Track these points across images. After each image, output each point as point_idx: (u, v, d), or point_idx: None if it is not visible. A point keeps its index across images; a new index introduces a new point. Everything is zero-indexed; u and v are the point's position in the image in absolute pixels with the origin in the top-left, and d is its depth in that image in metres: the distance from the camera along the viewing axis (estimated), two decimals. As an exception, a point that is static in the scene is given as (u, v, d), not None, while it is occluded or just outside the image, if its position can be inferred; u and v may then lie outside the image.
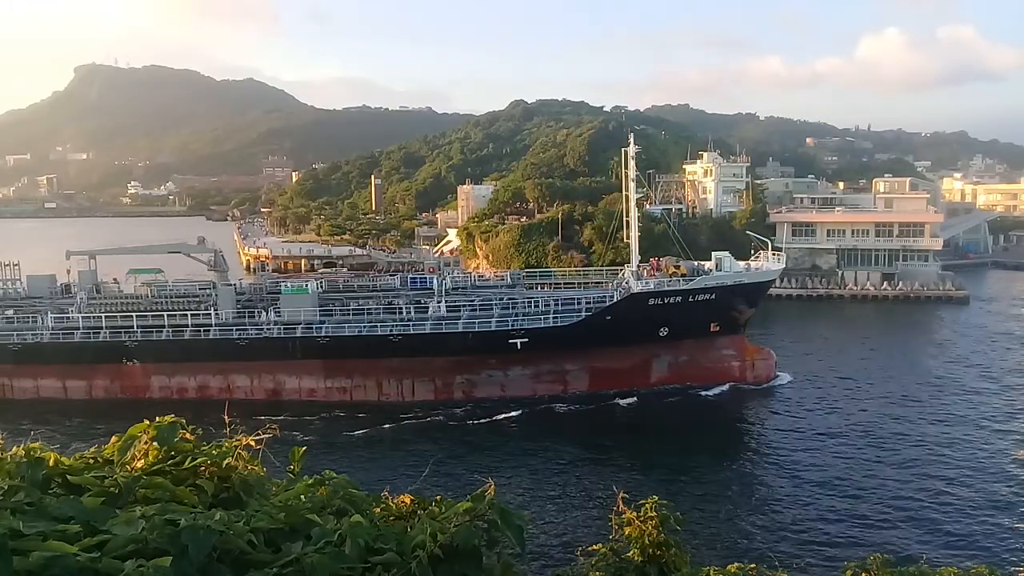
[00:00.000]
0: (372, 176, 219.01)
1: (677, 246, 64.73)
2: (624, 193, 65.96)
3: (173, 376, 55.70)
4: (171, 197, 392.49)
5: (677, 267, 61.10)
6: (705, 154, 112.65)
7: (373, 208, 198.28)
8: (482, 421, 50.67)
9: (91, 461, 4.26)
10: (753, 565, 5.15)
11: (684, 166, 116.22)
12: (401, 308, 57.49)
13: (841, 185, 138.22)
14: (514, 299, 58.46)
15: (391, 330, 54.76)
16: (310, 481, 4.34)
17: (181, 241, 70.38)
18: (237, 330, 55.79)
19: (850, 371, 61.72)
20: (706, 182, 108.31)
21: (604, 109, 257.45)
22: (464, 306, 57.20)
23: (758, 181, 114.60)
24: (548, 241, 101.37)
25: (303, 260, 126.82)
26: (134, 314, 57.16)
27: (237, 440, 4.41)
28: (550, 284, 67.65)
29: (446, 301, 57.75)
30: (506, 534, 3.85)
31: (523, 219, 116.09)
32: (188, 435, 4.38)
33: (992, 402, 53.08)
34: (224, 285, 60.78)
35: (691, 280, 57.19)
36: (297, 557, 3.44)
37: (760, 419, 51.73)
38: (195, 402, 53.74)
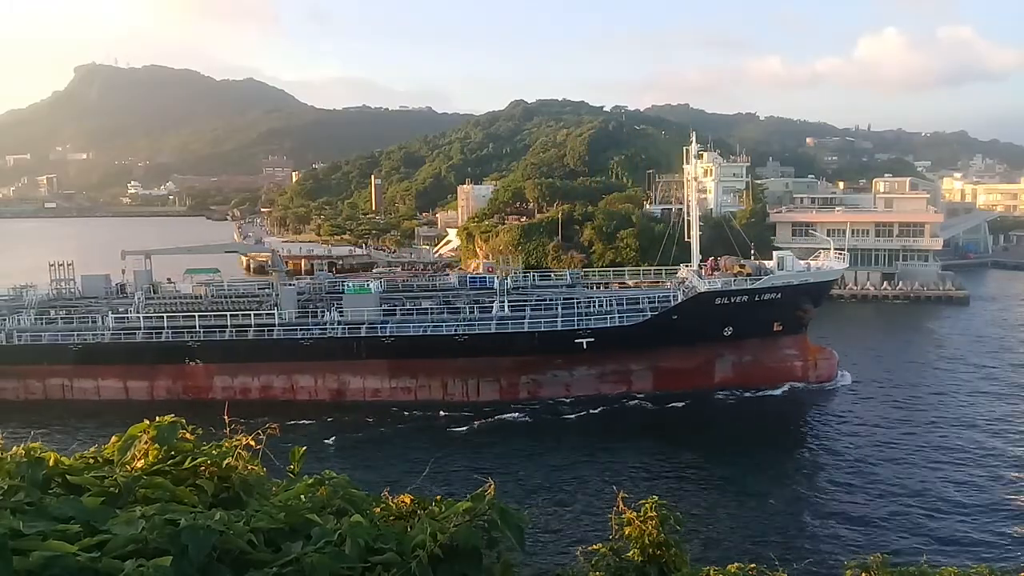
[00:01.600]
0: (372, 176, 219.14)
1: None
2: (685, 192, 65.91)
3: (236, 376, 55.18)
4: (171, 197, 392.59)
5: (742, 266, 60.67)
6: (705, 154, 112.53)
7: (373, 208, 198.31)
8: (549, 418, 50.82)
9: (91, 461, 4.26)
10: (753, 565, 5.15)
11: (684, 166, 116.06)
12: (463, 308, 57.28)
13: (841, 185, 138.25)
14: (576, 299, 58.23)
15: (456, 330, 54.54)
16: (310, 481, 4.34)
17: (236, 241, 70.47)
18: (301, 330, 55.41)
19: (910, 372, 61.33)
20: (706, 182, 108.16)
21: (604, 109, 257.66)
22: (526, 306, 57.03)
23: (758, 181, 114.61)
24: (548, 241, 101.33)
25: (303, 260, 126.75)
26: (196, 314, 56.63)
27: (237, 440, 4.41)
28: (605, 284, 67.32)
29: (508, 301, 57.56)
30: (506, 534, 3.85)
31: (523, 219, 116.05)
32: (188, 435, 4.39)
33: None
34: (285, 285, 60.56)
35: (757, 279, 56.94)
36: (297, 557, 3.44)
37: (821, 419, 51.23)
38: (258, 403, 53.66)
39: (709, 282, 56.36)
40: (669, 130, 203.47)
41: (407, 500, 4.30)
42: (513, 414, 51.75)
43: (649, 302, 56.43)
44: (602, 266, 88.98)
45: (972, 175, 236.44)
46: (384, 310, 57.07)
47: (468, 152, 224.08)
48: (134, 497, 3.86)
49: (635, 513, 4.98)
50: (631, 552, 4.88)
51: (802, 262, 60.75)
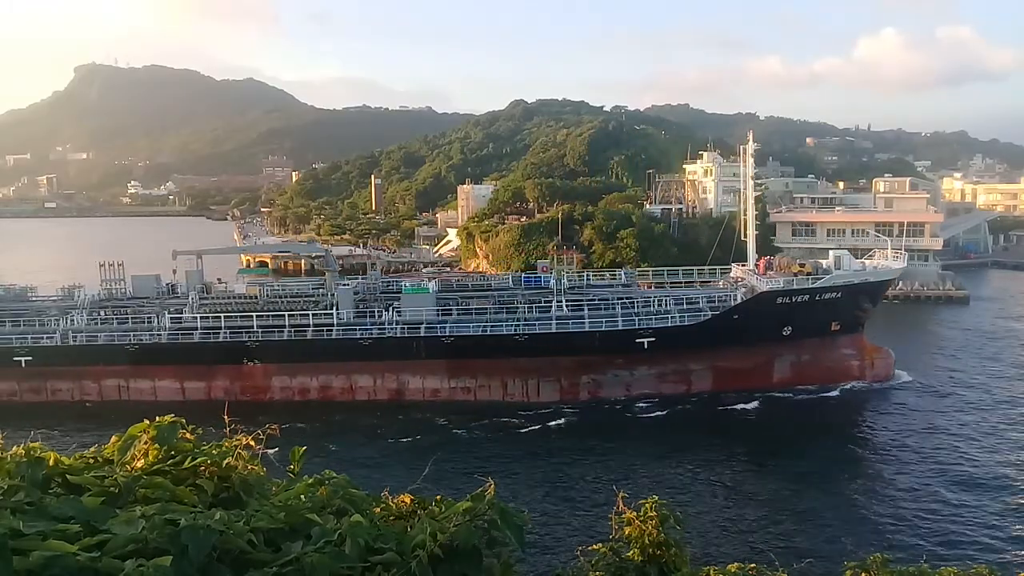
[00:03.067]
0: (372, 176, 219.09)
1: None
2: (743, 191, 65.93)
3: (295, 377, 55.02)
4: (171, 197, 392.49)
5: (802, 266, 60.74)
6: (705, 154, 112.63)
7: (373, 208, 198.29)
8: (612, 418, 50.74)
9: (91, 461, 4.26)
10: (753, 565, 5.15)
11: (684, 166, 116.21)
12: (520, 307, 57.11)
13: (841, 185, 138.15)
14: (633, 298, 58.15)
15: (515, 329, 54.39)
16: (310, 481, 4.34)
17: (289, 241, 70.23)
18: (360, 330, 55.22)
19: (968, 372, 60.97)
20: (706, 182, 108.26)
21: (604, 109, 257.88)
22: (583, 305, 56.93)
23: (758, 181, 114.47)
24: (548, 241, 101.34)
25: (303, 260, 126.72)
26: (254, 314, 56.37)
27: (237, 440, 4.41)
28: (651, 283, 67.05)
29: (566, 300, 57.48)
30: (506, 534, 3.85)
31: (523, 219, 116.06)
32: (188, 435, 4.39)
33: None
34: (342, 284, 60.37)
35: (819, 279, 56.94)
36: (297, 557, 3.44)
37: (877, 419, 51.14)
38: (317, 403, 53.60)
39: (771, 281, 56.42)
40: (669, 130, 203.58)
41: (407, 500, 4.30)
42: (575, 414, 51.58)
43: (708, 301, 56.42)
44: (601, 266, 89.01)
45: (972, 175, 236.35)
46: (439, 309, 57.00)
47: (468, 152, 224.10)
48: (134, 497, 3.86)
49: (635, 513, 4.98)
50: (631, 552, 4.88)
51: (858, 261, 60.78)
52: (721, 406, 52.56)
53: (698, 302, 56.45)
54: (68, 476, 3.98)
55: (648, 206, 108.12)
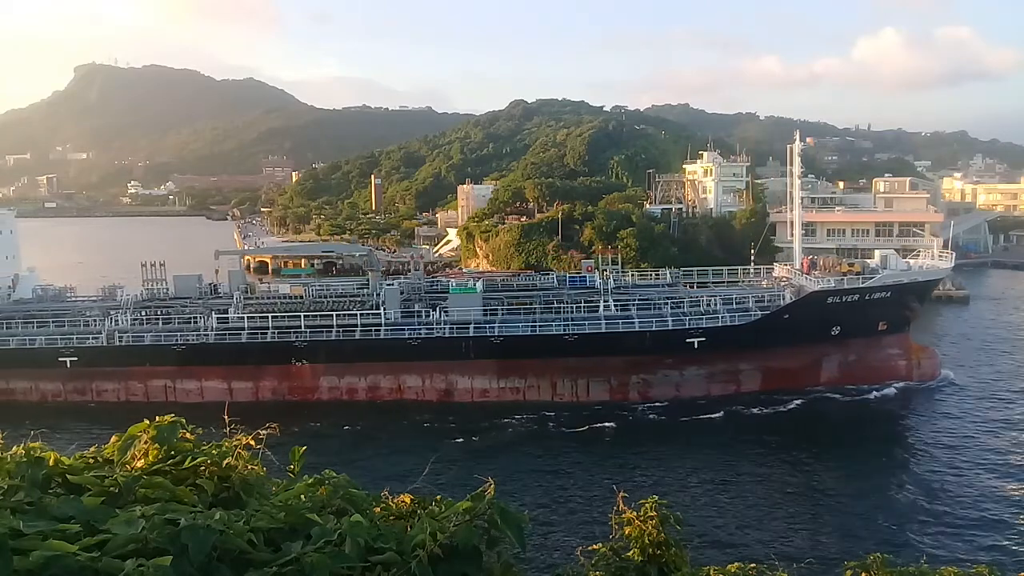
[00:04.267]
0: (372, 176, 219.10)
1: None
2: (788, 191, 66.02)
3: (343, 377, 54.86)
4: (171, 197, 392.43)
5: (851, 265, 60.73)
6: (705, 154, 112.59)
7: (373, 208, 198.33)
8: (660, 419, 50.68)
9: (91, 461, 4.26)
10: (753, 565, 5.15)
11: (684, 166, 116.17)
12: (567, 307, 56.92)
13: (841, 185, 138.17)
14: (680, 298, 58.06)
15: (565, 329, 54.23)
16: (310, 481, 4.34)
17: (333, 242, 69.92)
18: (408, 330, 55.12)
19: (1018, 372, 60.72)
20: (706, 182, 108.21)
21: (604, 109, 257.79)
22: (631, 305, 56.73)
23: (758, 181, 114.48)
24: (548, 241, 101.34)
25: (303, 260, 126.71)
26: (301, 314, 56.19)
27: (237, 440, 4.41)
28: (693, 283, 67.01)
29: (614, 300, 57.33)
30: (506, 533, 3.84)
31: (523, 219, 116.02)
32: (188, 435, 4.39)
33: None
34: (388, 284, 60.36)
35: (870, 278, 56.91)
36: (297, 556, 3.44)
37: (923, 419, 51.05)
38: (366, 404, 53.49)
39: (822, 281, 56.40)
40: (669, 130, 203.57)
41: (407, 500, 4.30)
42: (625, 414, 51.42)
43: (756, 301, 56.40)
44: (600, 266, 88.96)
45: (972, 175, 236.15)
46: (485, 309, 56.91)
47: (468, 152, 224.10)
48: (134, 497, 3.86)
49: (635, 513, 4.98)
50: (631, 552, 4.88)
51: (903, 260, 60.82)
52: (770, 406, 52.44)
53: (746, 302, 56.43)
54: (68, 476, 3.98)
55: (648, 206, 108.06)
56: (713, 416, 50.79)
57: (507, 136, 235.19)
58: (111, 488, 3.88)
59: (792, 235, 63.82)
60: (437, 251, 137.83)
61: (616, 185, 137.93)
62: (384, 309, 56.27)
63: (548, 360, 53.47)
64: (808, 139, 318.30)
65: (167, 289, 64.05)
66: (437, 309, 56.87)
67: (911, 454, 44.95)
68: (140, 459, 4.21)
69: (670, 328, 53.91)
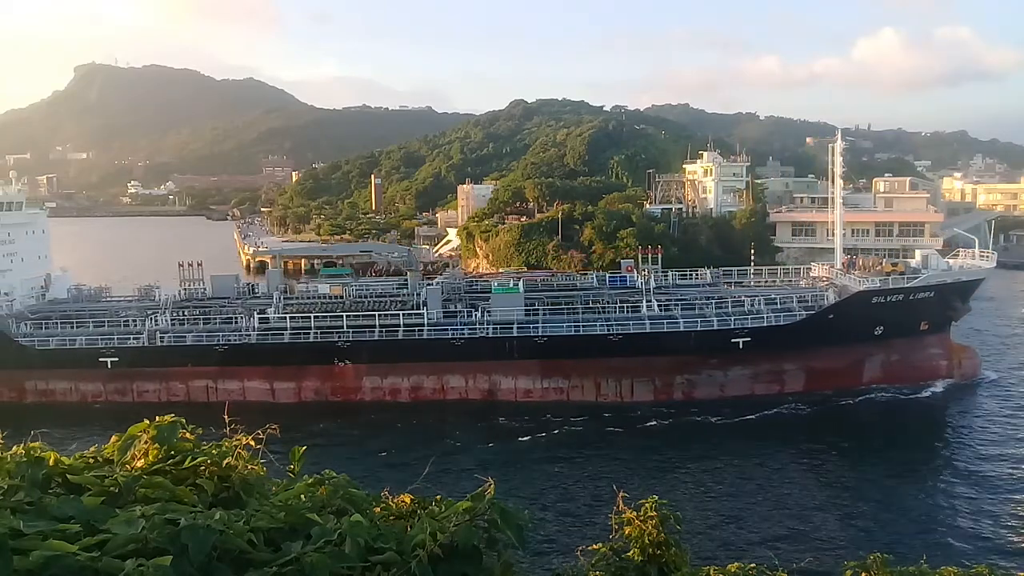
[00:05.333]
0: (372, 176, 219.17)
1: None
2: (830, 191, 66.12)
3: (386, 377, 54.80)
4: (171, 197, 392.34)
5: (894, 265, 60.76)
6: (705, 154, 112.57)
7: (373, 208, 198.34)
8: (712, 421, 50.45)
9: (91, 461, 4.26)
10: (753, 565, 5.14)
11: (684, 166, 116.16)
12: (609, 307, 56.82)
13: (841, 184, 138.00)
14: (722, 298, 57.99)
15: (609, 329, 54.10)
16: (310, 481, 4.34)
17: (372, 242, 69.79)
18: (452, 330, 55.08)
19: None
20: (706, 182, 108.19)
21: (604, 109, 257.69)
22: (674, 305, 56.74)
23: (758, 180, 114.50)
24: (548, 241, 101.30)
25: (303, 260, 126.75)
26: (344, 314, 56.11)
27: (237, 440, 4.41)
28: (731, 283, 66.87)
29: (656, 300, 57.26)
30: (506, 533, 3.84)
31: (523, 219, 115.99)
32: (188, 435, 4.39)
33: None
34: (429, 284, 60.38)
35: (914, 278, 56.96)
36: (297, 556, 3.43)
37: (964, 418, 50.99)
38: (408, 404, 53.45)
39: (867, 281, 56.47)
40: (669, 130, 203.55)
41: (407, 500, 4.30)
42: (670, 414, 51.34)
43: (799, 301, 56.41)
44: (601, 266, 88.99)
45: (972, 175, 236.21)
46: (527, 309, 56.89)
47: (468, 152, 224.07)
48: (134, 497, 3.86)
49: (635, 513, 4.98)
50: (631, 552, 4.88)
51: (944, 260, 60.93)
52: (813, 406, 52.43)
53: (789, 302, 56.44)
54: (68, 476, 3.97)
55: (648, 206, 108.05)
56: (756, 416, 50.70)
57: (507, 136, 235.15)
58: (111, 488, 3.88)
59: (832, 235, 63.92)
60: (437, 251, 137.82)
61: (616, 185, 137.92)
62: (427, 309, 56.22)
63: (592, 360, 53.41)
64: (808, 139, 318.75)
65: (204, 289, 64.16)
66: (480, 309, 56.84)
67: (954, 453, 44.86)
68: (140, 459, 4.21)
69: (715, 328, 53.94)
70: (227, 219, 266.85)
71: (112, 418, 49.40)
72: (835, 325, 54.03)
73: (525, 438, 47.47)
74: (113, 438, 4.39)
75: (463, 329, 55.05)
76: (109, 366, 55.22)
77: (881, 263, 61.90)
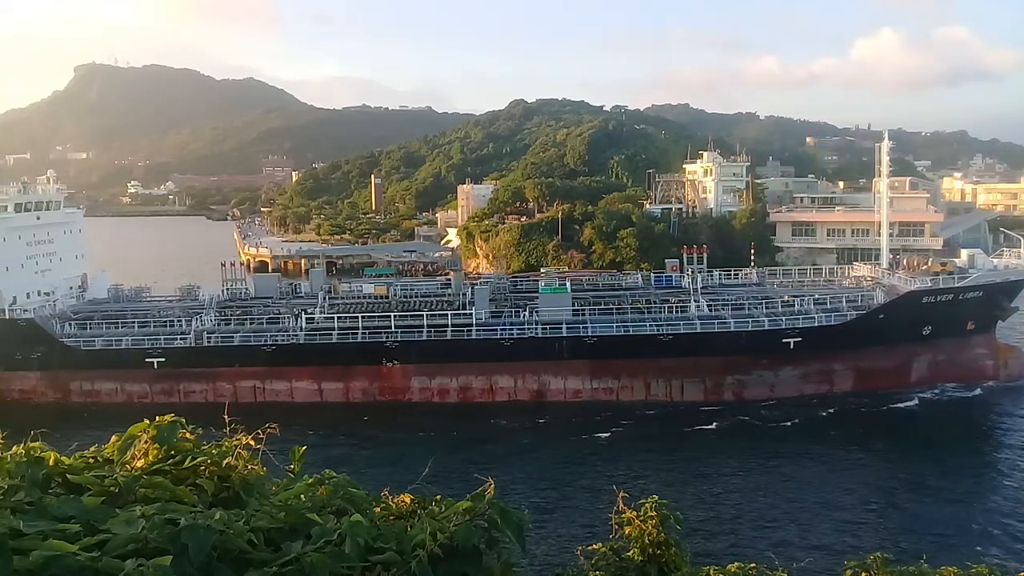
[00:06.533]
0: (372, 176, 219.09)
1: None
2: (879, 191, 66.00)
3: (434, 377, 54.61)
4: (171, 197, 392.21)
5: (943, 264, 60.74)
6: (705, 153, 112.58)
7: (373, 208, 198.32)
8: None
9: (91, 460, 4.26)
10: (753, 565, 5.15)
11: (684, 165, 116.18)
12: (655, 307, 56.76)
13: (841, 184, 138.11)
14: (770, 298, 57.90)
15: (658, 329, 54.04)
16: (310, 481, 4.33)
17: (415, 242, 69.67)
18: (500, 330, 54.96)
19: None
20: (706, 182, 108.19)
21: (604, 109, 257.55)
22: (722, 305, 56.66)
23: (758, 180, 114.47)
24: (548, 241, 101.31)
25: (303, 260, 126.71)
26: (391, 314, 55.97)
27: (237, 440, 4.41)
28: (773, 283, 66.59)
29: (704, 300, 57.12)
30: (506, 533, 3.84)
31: (523, 219, 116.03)
32: (188, 435, 4.39)
33: None
34: (476, 284, 60.28)
35: (964, 277, 56.90)
36: (297, 556, 3.43)
37: (1016, 419, 50.68)
38: (457, 405, 53.37)
39: (917, 281, 56.48)
40: (669, 130, 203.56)
41: (407, 500, 4.30)
42: (721, 414, 51.17)
43: (847, 300, 56.45)
44: (601, 266, 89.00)
45: (972, 175, 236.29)
46: (574, 309, 56.85)
47: (468, 152, 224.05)
48: (134, 497, 3.86)
49: (635, 513, 4.98)
50: (631, 552, 4.88)
51: (990, 260, 61.00)
52: (862, 406, 52.42)
53: (838, 302, 56.42)
54: (68, 476, 3.97)
55: (648, 206, 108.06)
56: (805, 417, 50.58)
57: (507, 136, 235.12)
58: (111, 488, 3.88)
59: (879, 234, 63.92)
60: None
61: (616, 185, 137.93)
62: (474, 309, 56.10)
63: (642, 360, 53.34)
64: (808, 139, 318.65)
65: (246, 289, 64.12)
66: (527, 309, 56.77)
67: (1001, 454, 44.71)
68: (140, 459, 4.21)
69: (766, 328, 53.91)
70: (227, 219, 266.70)
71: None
72: (885, 325, 54.06)
73: (582, 437, 47.50)
74: (113, 438, 4.39)
75: (512, 329, 54.95)
76: (155, 367, 54.89)
77: (926, 263, 61.92)
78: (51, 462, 4.04)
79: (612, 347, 53.47)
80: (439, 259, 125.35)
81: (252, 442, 4.45)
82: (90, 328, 57.72)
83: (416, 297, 60.56)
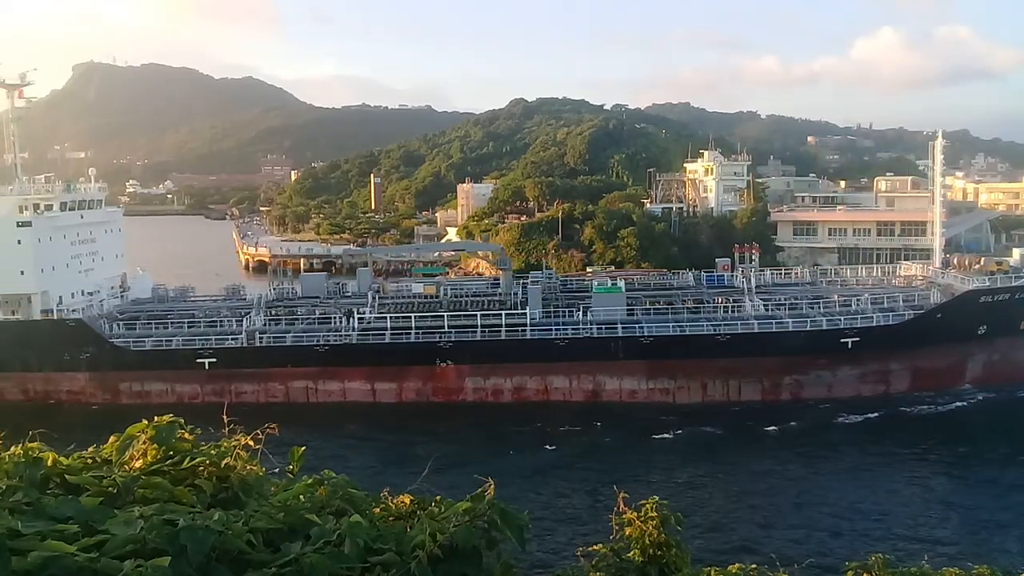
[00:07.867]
0: (371, 175, 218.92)
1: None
2: (930, 189, 66.22)
3: (488, 378, 54.32)
4: (170, 196, 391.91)
5: (999, 264, 60.88)
6: (706, 153, 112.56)
7: (372, 207, 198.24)
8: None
9: (89, 461, 4.25)
10: (754, 565, 5.13)
11: (685, 165, 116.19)
12: (709, 307, 56.51)
13: (842, 184, 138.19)
14: (825, 297, 57.75)
15: (714, 329, 53.74)
16: (309, 481, 4.32)
17: (465, 241, 69.47)
18: (555, 330, 54.68)
19: None
20: (707, 181, 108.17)
21: (604, 108, 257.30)
22: (778, 305, 56.48)
23: (759, 180, 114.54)
24: (548, 240, 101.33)
25: (302, 259, 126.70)
26: (444, 314, 55.64)
27: (236, 440, 4.40)
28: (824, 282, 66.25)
29: (759, 299, 56.87)
30: (506, 534, 3.83)
31: (523, 218, 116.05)
32: (187, 435, 4.38)
33: None
34: (531, 284, 60.03)
35: (1021, 277, 56.91)
36: (296, 557, 3.42)
37: None
38: (511, 405, 53.00)
39: (975, 280, 56.44)
40: (670, 129, 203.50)
41: (407, 500, 4.28)
42: (778, 415, 50.71)
43: (903, 299, 56.41)
44: (602, 265, 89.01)
45: (974, 174, 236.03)
46: (627, 309, 56.56)
47: (468, 151, 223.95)
48: (132, 497, 3.85)
49: (636, 513, 4.97)
50: (631, 552, 4.87)
51: None
52: (918, 406, 52.32)
53: (895, 301, 56.37)
54: (66, 476, 3.96)
55: (649, 205, 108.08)
56: (863, 417, 50.41)
57: (507, 135, 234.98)
58: (109, 488, 3.87)
59: (933, 233, 63.76)
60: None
61: (616, 184, 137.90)
62: (528, 309, 55.82)
63: (698, 360, 53.00)
64: (809, 138, 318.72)
65: (293, 288, 64.08)
66: (581, 309, 56.49)
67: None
68: (139, 459, 4.20)
69: (824, 328, 53.71)
70: (226, 218, 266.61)
71: (210, 421, 48.95)
72: (942, 324, 53.93)
73: (641, 437, 47.40)
74: (111, 438, 4.38)
75: (566, 329, 54.68)
76: (207, 367, 54.46)
77: (979, 261, 62.03)
78: (49, 462, 4.03)
79: (668, 347, 53.13)
80: (439, 258, 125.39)
81: (251, 442, 4.44)
82: (138, 328, 57.51)
83: (467, 296, 60.30)
